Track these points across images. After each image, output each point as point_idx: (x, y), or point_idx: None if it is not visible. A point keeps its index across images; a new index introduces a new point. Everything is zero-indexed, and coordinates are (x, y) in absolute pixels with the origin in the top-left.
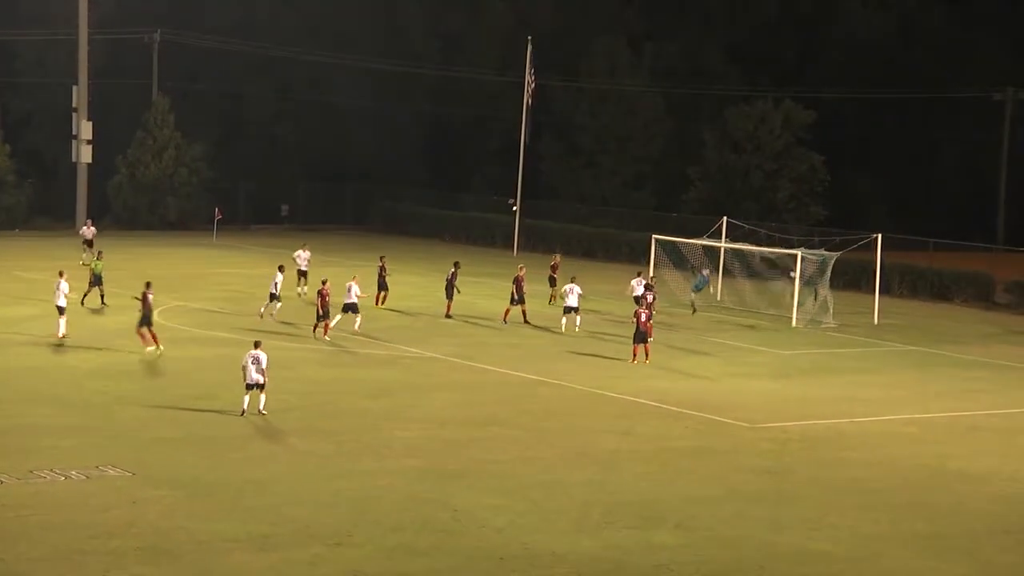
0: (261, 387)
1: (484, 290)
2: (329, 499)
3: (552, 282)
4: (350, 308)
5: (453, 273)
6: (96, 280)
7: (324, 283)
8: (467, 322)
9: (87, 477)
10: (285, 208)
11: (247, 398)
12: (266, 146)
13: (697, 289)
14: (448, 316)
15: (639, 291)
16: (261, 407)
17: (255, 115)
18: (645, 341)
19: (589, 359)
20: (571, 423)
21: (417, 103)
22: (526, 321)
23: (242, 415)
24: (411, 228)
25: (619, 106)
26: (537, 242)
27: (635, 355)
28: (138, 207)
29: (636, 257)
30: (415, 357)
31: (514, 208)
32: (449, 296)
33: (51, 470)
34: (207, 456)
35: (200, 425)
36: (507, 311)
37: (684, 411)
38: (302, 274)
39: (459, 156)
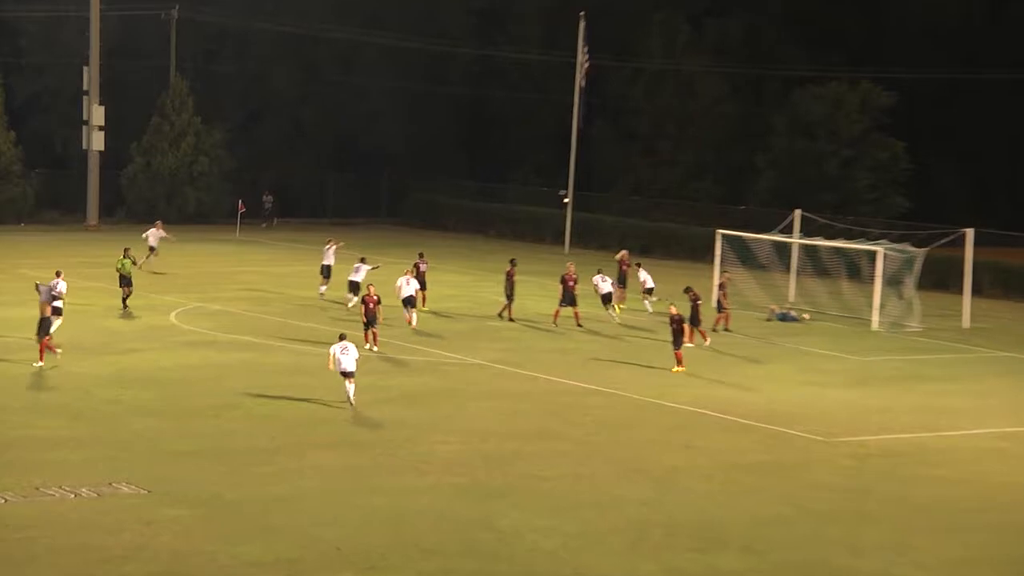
0: (353, 374)
1: (533, 290)
2: (362, 519)
3: (623, 281)
4: (408, 302)
5: (509, 272)
6: (124, 281)
7: (369, 288)
8: (514, 325)
9: (98, 495)
10: (268, 200)
11: (348, 385)
12: (291, 133)
13: (782, 319)
14: (508, 318)
15: (605, 288)
16: (351, 395)
17: (279, 99)
18: (678, 346)
19: (645, 367)
20: (626, 436)
21: (454, 85)
22: (578, 324)
23: (351, 405)
24: (450, 222)
25: (679, 87)
26: (590, 238)
27: (678, 361)
28: (154, 199)
29: (699, 254)
30: (457, 363)
31: (565, 200)
32: (509, 297)
33: (59, 487)
34: (229, 472)
35: (222, 438)
36: (556, 313)
37: (751, 423)
38: (328, 270)
39: (502, 143)
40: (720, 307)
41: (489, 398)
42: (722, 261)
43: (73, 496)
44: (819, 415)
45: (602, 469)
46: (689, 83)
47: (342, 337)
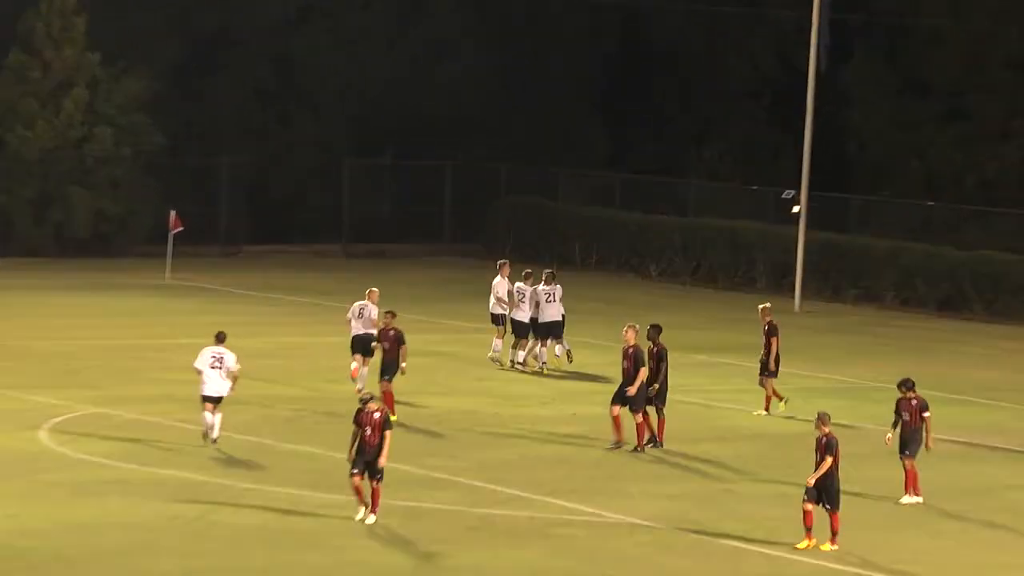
0: (218, 402)
1: (736, 383)
2: None
3: (768, 363)
4: (360, 345)
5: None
6: None
7: (368, 403)
8: (687, 443)
9: None
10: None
11: (208, 415)
12: (271, 86)
13: None
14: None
15: (497, 307)
16: (215, 432)
17: (249, 25)
18: (822, 500)
19: (972, 522)
20: None
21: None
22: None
23: (205, 438)
24: (575, 249)
25: None
26: (844, 276)
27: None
28: (12, 209)
29: None
30: (586, 522)
31: (795, 209)
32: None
33: None
34: None
35: None
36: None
37: None
38: None
39: (673, 103)
40: None
41: None
42: None
43: None
44: None
45: None
46: None
47: (220, 338)
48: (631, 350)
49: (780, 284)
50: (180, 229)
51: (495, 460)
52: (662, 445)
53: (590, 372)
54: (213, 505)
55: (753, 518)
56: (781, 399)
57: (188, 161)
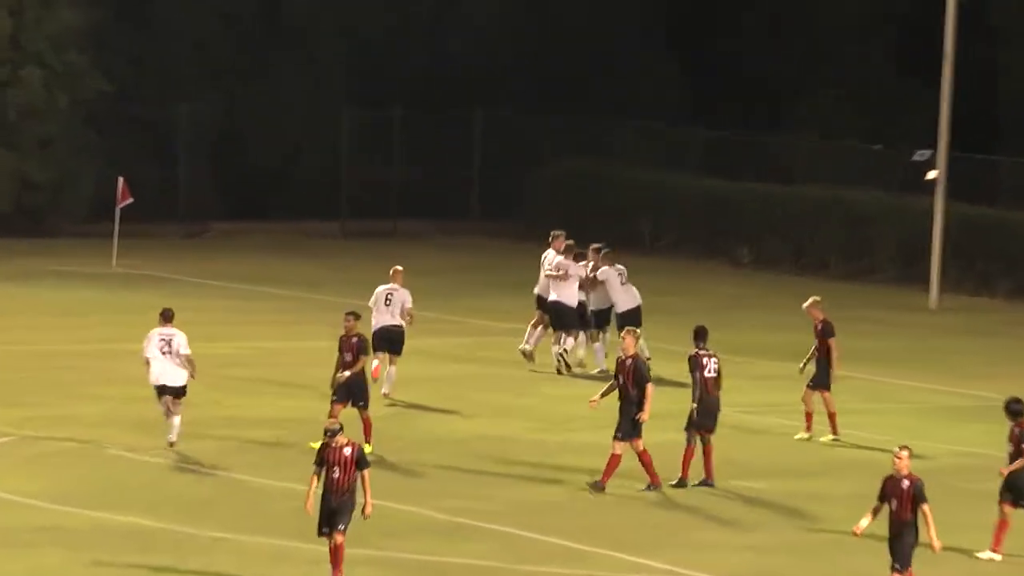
0: (178, 393)
1: (841, 400)
2: None
3: (818, 378)
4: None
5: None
6: None
7: (333, 437)
8: (773, 478)
9: None
10: None
11: (176, 420)
12: (247, 12)
13: None
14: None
15: (623, 299)
16: (173, 434)
17: None
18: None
19: None
20: None
21: None
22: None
23: (171, 447)
24: (639, 225)
25: None
26: (994, 263)
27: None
28: None
29: None
30: None
31: (931, 174)
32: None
33: None
34: None
35: None
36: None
37: None
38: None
39: (766, 37)
40: None
41: None
42: None
43: None
44: None
45: None
46: None
47: (167, 316)
48: (629, 362)
49: (910, 272)
50: (130, 201)
51: (537, 501)
52: (698, 482)
53: (658, 386)
54: (172, 559)
55: (858, 574)
56: (808, 429)
57: (140, 112)
